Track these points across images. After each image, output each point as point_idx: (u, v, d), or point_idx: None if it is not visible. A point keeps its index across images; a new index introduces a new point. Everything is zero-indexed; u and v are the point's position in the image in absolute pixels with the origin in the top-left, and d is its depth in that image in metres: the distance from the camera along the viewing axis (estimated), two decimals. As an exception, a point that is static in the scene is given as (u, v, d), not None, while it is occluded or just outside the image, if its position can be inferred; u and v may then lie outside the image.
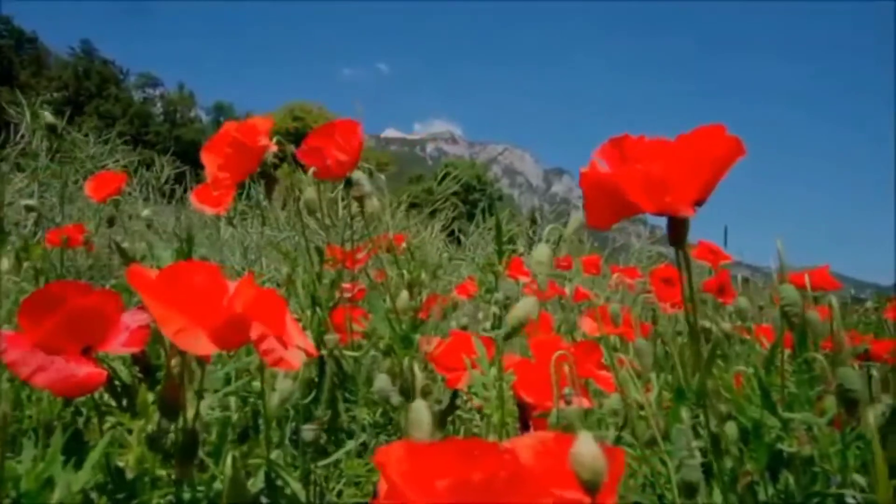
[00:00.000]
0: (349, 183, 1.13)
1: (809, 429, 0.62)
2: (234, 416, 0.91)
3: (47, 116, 1.19)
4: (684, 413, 0.55)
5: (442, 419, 0.96)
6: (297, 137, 1.17)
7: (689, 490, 0.50)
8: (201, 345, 0.57)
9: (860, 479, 0.68)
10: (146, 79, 51.06)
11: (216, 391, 0.76)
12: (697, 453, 0.58)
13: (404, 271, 1.08)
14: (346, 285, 1.16)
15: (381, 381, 0.71)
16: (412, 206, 4.41)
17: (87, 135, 4.01)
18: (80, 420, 0.76)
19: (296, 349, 0.59)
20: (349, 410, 0.99)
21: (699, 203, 0.51)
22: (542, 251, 0.60)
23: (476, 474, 0.27)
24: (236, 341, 0.61)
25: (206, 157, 1.07)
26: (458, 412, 1.11)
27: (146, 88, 50.65)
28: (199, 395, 0.64)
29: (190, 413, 0.64)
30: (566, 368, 0.57)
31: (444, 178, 3.79)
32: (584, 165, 0.55)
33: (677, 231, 0.53)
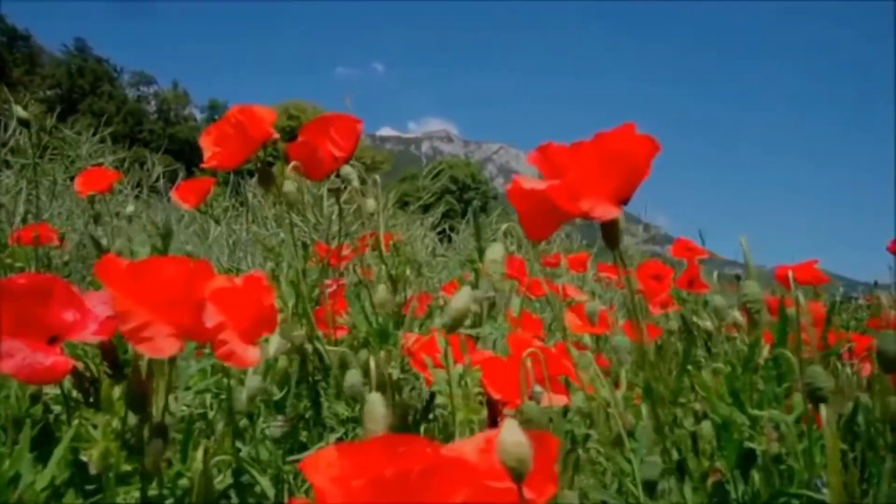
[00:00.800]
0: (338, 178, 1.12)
1: (778, 426, 0.62)
2: (211, 413, 0.91)
3: (18, 111, 1.18)
4: (646, 410, 0.55)
5: (423, 415, 0.96)
6: (291, 136, 1.16)
7: (649, 487, 0.50)
8: (158, 346, 0.57)
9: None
10: (140, 77, 50.80)
11: (188, 388, 0.76)
12: (673, 452, 0.58)
13: (385, 266, 1.08)
14: (328, 281, 1.16)
15: (353, 377, 0.71)
16: (404, 204, 4.41)
17: (80, 133, 3.99)
18: (51, 417, 0.75)
19: (257, 346, 0.58)
20: (331, 406, 0.99)
21: (623, 202, 0.51)
22: (495, 249, 0.60)
23: (389, 470, 0.27)
24: (202, 333, 0.60)
25: (204, 139, 1.06)
26: (441, 410, 1.11)
27: (140, 86, 50.37)
28: (169, 390, 0.63)
29: (159, 407, 0.63)
30: (532, 365, 0.57)
31: (429, 172, 3.80)
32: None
33: (607, 232, 0.53)
